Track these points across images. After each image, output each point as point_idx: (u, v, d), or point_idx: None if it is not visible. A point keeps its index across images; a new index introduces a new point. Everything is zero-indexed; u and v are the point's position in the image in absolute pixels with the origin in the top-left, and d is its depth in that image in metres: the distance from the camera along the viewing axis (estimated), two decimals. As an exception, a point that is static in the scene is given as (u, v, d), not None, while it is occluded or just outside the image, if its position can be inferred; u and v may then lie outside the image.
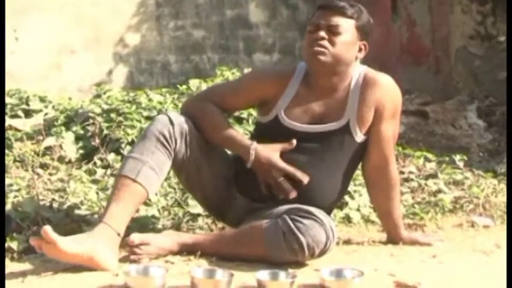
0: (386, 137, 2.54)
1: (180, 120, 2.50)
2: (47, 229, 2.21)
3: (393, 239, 2.69)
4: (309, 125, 2.50)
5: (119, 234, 2.35)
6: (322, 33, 2.46)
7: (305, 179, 2.44)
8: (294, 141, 2.46)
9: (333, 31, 2.46)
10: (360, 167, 2.63)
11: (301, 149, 2.48)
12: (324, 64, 2.46)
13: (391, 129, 2.55)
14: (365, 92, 2.50)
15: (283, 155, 2.48)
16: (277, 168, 2.45)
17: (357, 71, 2.53)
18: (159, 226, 2.79)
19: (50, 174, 3.38)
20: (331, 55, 2.46)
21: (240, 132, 2.63)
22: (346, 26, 2.47)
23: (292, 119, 2.51)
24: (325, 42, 2.45)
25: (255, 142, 2.49)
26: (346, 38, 2.47)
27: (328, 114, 2.50)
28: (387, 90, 2.52)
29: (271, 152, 2.46)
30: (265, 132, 2.54)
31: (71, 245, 2.23)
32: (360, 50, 2.52)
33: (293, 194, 2.45)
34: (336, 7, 2.49)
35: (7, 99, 4.40)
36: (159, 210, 2.93)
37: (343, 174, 2.54)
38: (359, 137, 2.51)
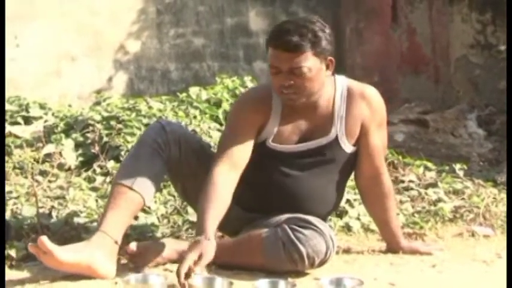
0: (376, 148, 2.53)
1: (173, 127, 2.50)
2: (44, 239, 2.21)
3: (393, 248, 2.68)
4: (298, 145, 2.48)
5: (116, 242, 2.34)
6: (288, 82, 2.35)
7: None
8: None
9: (296, 74, 2.34)
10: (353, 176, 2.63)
11: (292, 165, 2.48)
12: (300, 103, 2.41)
13: (379, 139, 2.53)
14: (351, 106, 2.47)
15: (278, 168, 2.46)
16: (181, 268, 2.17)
17: (340, 85, 2.49)
18: (159, 234, 2.79)
19: (50, 181, 3.37)
20: (303, 96, 2.39)
21: (210, 214, 2.31)
22: (308, 63, 2.34)
23: (281, 143, 2.47)
24: (294, 88, 2.37)
25: (211, 236, 2.24)
26: (312, 74, 2.36)
27: (316, 130, 2.47)
28: (373, 103, 2.50)
29: (200, 255, 2.19)
30: (254, 153, 2.46)
31: (68, 254, 2.23)
32: (328, 66, 2.42)
33: None
34: (290, 48, 2.32)
35: (7, 106, 4.40)
36: (158, 218, 2.93)
37: (337, 183, 2.54)
38: (348, 147, 2.50)
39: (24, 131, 4.16)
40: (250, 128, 2.45)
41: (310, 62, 2.35)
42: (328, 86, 2.47)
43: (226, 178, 2.37)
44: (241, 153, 2.43)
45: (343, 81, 2.51)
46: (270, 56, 2.38)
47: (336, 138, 2.48)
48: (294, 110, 2.46)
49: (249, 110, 2.47)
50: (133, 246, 2.40)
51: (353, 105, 2.48)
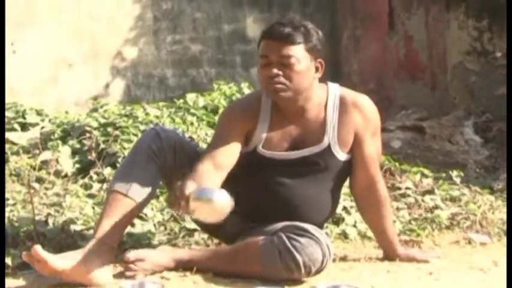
0: (370, 157, 2.52)
1: (168, 134, 2.51)
2: (37, 248, 2.21)
3: (390, 255, 2.68)
4: (289, 152, 2.47)
5: (112, 250, 2.34)
6: (276, 71, 2.36)
7: None
8: None
9: (285, 64, 2.37)
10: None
11: (285, 173, 2.47)
12: (286, 98, 2.42)
13: (373, 148, 2.53)
14: (343, 115, 2.47)
15: (272, 176, 2.46)
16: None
17: (332, 93, 2.49)
18: (155, 241, 2.78)
19: (46, 188, 3.37)
20: (290, 89, 2.39)
21: (201, 172, 2.33)
22: (298, 55, 2.37)
23: (272, 149, 2.47)
24: (281, 78, 2.38)
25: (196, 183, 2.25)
26: (301, 67, 2.38)
27: (307, 138, 2.47)
28: (366, 112, 2.50)
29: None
30: (246, 161, 2.46)
31: (63, 262, 2.23)
32: (317, 69, 2.44)
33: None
34: (282, 37, 2.37)
35: (3, 113, 4.39)
36: (155, 225, 2.92)
37: (331, 190, 2.54)
38: (342, 156, 2.50)
39: (20, 138, 4.15)
40: (236, 133, 2.45)
41: (300, 54, 2.38)
42: (319, 92, 2.48)
43: (210, 174, 2.34)
44: (225, 156, 2.42)
45: (336, 90, 2.51)
46: (261, 48, 2.42)
47: (329, 147, 2.47)
48: (283, 115, 2.47)
49: (236, 116, 2.49)
50: (129, 254, 2.40)
51: (346, 114, 2.47)
